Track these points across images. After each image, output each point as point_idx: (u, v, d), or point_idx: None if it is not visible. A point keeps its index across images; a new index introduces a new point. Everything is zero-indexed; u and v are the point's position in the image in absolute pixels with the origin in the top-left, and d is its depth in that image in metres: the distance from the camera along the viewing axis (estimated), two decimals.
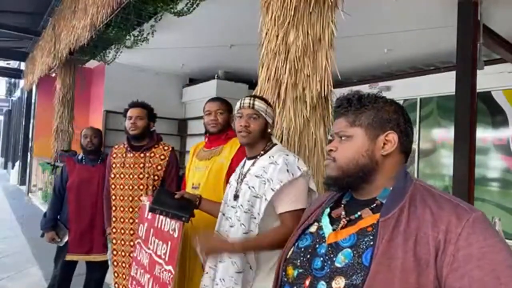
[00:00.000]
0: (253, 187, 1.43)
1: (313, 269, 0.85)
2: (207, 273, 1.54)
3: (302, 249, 0.91)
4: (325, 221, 0.93)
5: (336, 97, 1.00)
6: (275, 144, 1.55)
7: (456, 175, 2.65)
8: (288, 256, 0.94)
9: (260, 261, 1.43)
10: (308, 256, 0.88)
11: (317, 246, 0.89)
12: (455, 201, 0.79)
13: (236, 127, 1.52)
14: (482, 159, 4.76)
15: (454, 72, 2.74)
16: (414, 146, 5.55)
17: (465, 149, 2.59)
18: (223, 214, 1.55)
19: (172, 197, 1.73)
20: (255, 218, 1.42)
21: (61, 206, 2.82)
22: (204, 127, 2.12)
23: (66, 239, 2.77)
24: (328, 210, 0.96)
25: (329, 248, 0.86)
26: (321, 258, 0.85)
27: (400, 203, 0.81)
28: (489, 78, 4.08)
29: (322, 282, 0.82)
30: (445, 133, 5.42)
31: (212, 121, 2.02)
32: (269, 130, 1.55)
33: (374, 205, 0.86)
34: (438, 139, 5.54)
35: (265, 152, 1.51)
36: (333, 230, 0.89)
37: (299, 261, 0.89)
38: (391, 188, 0.86)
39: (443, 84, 4.90)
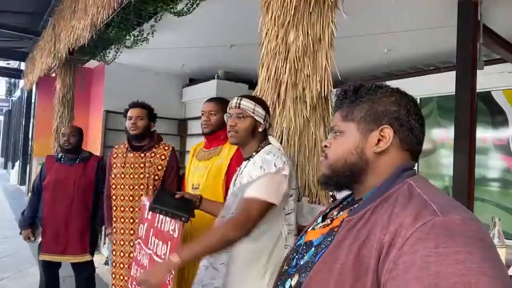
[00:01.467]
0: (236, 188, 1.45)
1: (291, 266, 0.84)
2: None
3: (295, 247, 0.89)
4: (319, 221, 0.90)
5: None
6: (269, 144, 1.54)
7: (456, 175, 2.64)
8: (287, 253, 0.94)
9: (249, 260, 1.39)
10: (294, 254, 0.87)
11: (302, 244, 0.87)
12: (430, 202, 0.66)
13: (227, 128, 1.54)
14: (482, 159, 4.76)
15: (454, 72, 2.74)
16: None
17: (465, 149, 2.59)
18: (223, 217, 1.54)
19: (172, 197, 1.73)
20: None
21: (39, 205, 2.81)
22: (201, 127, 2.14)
23: (40, 238, 2.76)
24: (327, 210, 0.94)
25: (304, 246, 0.84)
26: (297, 256, 0.84)
27: (371, 203, 0.73)
28: (489, 78, 4.08)
29: (289, 279, 0.81)
30: (445, 133, 5.42)
31: (204, 121, 2.04)
32: (259, 130, 1.53)
33: (357, 205, 0.79)
34: (438, 139, 5.53)
35: (257, 152, 1.51)
36: (313, 228, 0.88)
37: (289, 258, 0.89)
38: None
39: (443, 84, 4.89)
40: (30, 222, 2.80)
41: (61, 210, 2.69)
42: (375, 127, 0.80)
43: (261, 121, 1.53)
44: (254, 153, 1.52)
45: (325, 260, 0.72)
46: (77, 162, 2.80)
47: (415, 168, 0.83)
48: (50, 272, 2.80)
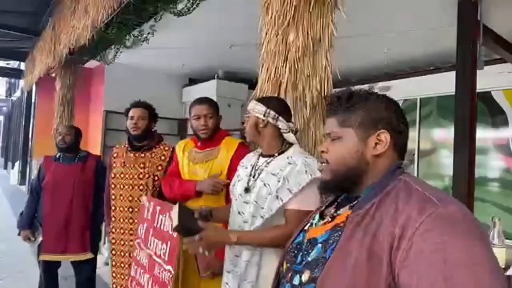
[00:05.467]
0: (268, 184, 1.45)
1: (295, 264, 0.87)
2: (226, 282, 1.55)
3: (294, 245, 0.93)
4: (316, 218, 0.94)
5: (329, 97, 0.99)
6: (292, 145, 1.57)
7: (456, 175, 2.64)
8: (285, 252, 0.96)
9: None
10: (296, 251, 0.90)
11: (304, 242, 0.90)
12: (429, 195, 0.73)
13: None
14: (482, 159, 4.76)
15: (454, 72, 2.74)
16: (414, 146, 5.54)
17: (465, 149, 2.59)
18: (236, 209, 1.56)
19: (192, 215, 1.66)
20: (262, 215, 1.44)
21: (37, 205, 2.80)
22: (193, 131, 2.08)
23: (41, 238, 2.75)
24: (322, 208, 0.97)
25: (308, 244, 0.87)
26: (301, 254, 0.87)
27: (372, 200, 0.79)
28: (489, 78, 4.08)
29: (297, 275, 0.84)
30: (445, 133, 5.41)
31: (202, 126, 2.00)
32: (261, 126, 1.56)
33: (356, 201, 0.84)
34: (438, 139, 5.53)
35: (282, 152, 1.54)
36: (314, 225, 0.91)
37: (289, 256, 0.92)
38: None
39: (443, 84, 4.89)
40: (29, 222, 2.80)
41: (61, 209, 2.68)
42: (373, 131, 0.86)
43: (261, 116, 1.56)
44: (278, 152, 1.54)
45: (338, 255, 0.75)
46: (75, 161, 2.79)
47: (403, 166, 0.90)
48: (50, 272, 2.80)
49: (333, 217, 0.87)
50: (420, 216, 0.69)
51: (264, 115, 1.56)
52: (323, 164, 0.92)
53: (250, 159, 1.67)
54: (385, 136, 0.85)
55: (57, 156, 2.86)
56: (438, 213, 0.68)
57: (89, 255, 2.77)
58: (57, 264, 2.81)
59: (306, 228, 0.95)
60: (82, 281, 2.84)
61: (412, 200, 0.73)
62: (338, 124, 0.89)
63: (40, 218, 2.76)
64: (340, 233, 0.79)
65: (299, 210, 1.39)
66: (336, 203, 0.93)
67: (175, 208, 1.43)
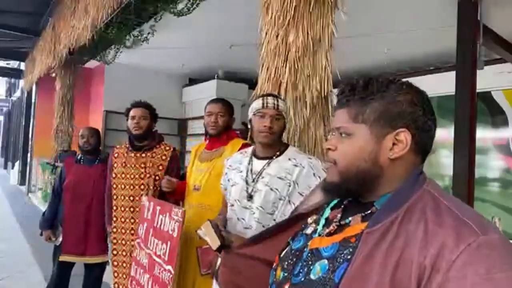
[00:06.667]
0: (276, 189, 1.42)
1: (293, 274, 0.75)
2: None
3: (293, 251, 0.80)
4: (321, 223, 0.80)
5: (336, 94, 0.81)
6: (287, 145, 1.56)
7: (456, 175, 2.64)
8: (281, 256, 0.83)
9: None
10: (295, 259, 0.78)
11: (304, 249, 0.77)
12: (463, 218, 0.61)
13: (257, 126, 1.48)
14: (482, 159, 4.76)
15: (454, 72, 2.74)
16: None
17: (465, 149, 2.59)
18: (234, 216, 1.52)
19: (217, 228, 1.59)
20: (275, 220, 1.42)
21: (59, 206, 2.82)
22: (204, 127, 2.12)
23: (61, 238, 2.77)
24: (328, 211, 0.83)
25: (309, 254, 0.74)
26: (301, 264, 0.75)
27: (393, 214, 0.66)
28: (489, 78, 4.08)
29: None
30: (445, 133, 5.41)
31: (212, 123, 2.02)
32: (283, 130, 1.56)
33: (369, 211, 0.71)
34: (438, 139, 5.52)
35: (281, 153, 1.49)
36: (319, 234, 0.77)
37: (286, 263, 0.79)
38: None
39: (443, 84, 4.89)
40: (51, 223, 2.82)
41: (81, 211, 2.70)
42: (390, 130, 0.71)
43: (287, 122, 1.56)
44: (277, 153, 1.50)
45: (351, 282, 0.63)
46: (96, 163, 2.81)
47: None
48: (64, 270, 2.80)
49: (340, 226, 0.75)
50: (457, 246, 0.57)
51: (286, 116, 1.56)
52: (331, 164, 0.78)
53: (240, 161, 1.59)
54: (405, 136, 0.70)
55: (79, 157, 2.88)
56: (479, 243, 0.56)
57: (106, 258, 2.78)
58: (73, 264, 2.82)
59: (307, 232, 0.82)
60: (90, 282, 2.85)
61: (444, 223, 0.61)
62: (350, 118, 0.74)
63: (61, 219, 2.78)
64: (351, 250, 0.66)
65: None
66: (342, 206, 0.80)
67: (208, 227, 1.30)
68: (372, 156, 0.72)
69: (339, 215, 0.77)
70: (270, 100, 1.48)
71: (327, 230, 0.75)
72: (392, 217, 0.65)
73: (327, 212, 0.83)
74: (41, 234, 2.84)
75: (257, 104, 1.50)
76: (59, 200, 2.81)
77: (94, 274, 2.82)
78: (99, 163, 2.80)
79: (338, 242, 0.70)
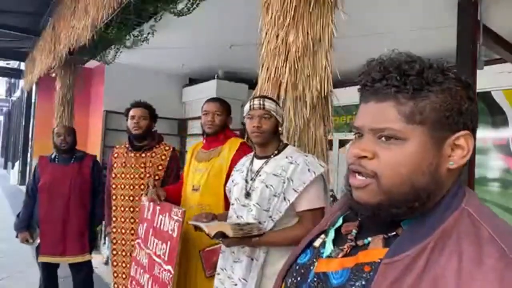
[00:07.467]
0: (271, 186, 1.44)
1: None
2: (218, 274, 1.55)
3: (298, 267, 0.69)
4: (330, 237, 0.67)
5: (367, 64, 0.61)
6: (287, 144, 1.58)
7: None
8: (287, 269, 0.73)
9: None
10: (299, 278, 0.66)
11: (311, 268, 0.66)
12: (510, 253, 0.47)
13: (248, 128, 1.54)
14: (482, 159, 4.76)
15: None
16: None
17: None
18: (234, 214, 1.55)
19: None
20: (271, 216, 1.43)
21: (34, 207, 2.79)
22: (201, 127, 2.13)
23: (39, 240, 2.74)
24: (340, 221, 0.69)
25: (315, 278, 0.62)
26: (304, 285, 0.64)
27: (423, 242, 0.52)
28: (489, 78, 4.08)
29: None
30: None
31: (209, 121, 2.03)
32: (280, 129, 1.57)
33: (393, 233, 0.58)
34: None
35: (279, 152, 1.53)
36: (329, 255, 0.64)
37: (290, 281, 0.68)
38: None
39: None
40: (26, 224, 2.79)
41: (58, 210, 2.66)
42: (450, 133, 0.57)
43: (281, 120, 1.58)
44: (275, 152, 1.53)
45: None
46: (72, 161, 2.77)
47: None
48: (49, 272, 2.79)
49: (355, 247, 0.62)
50: None
51: (281, 119, 1.59)
52: (368, 179, 0.58)
53: (243, 163, 1.65)
54: (466, 140, 0.57)
55: (53, 156, 2.84)
56: None
57: (88, 257, 2.76)
58: (57, 265, 2.80)
59: (315, 244, 0.70)
60: (80, 281, 2.83)
61: (484, 263, 0.47)
62: (402, 117, 0.56)
63: (37, 219, 2.75)
64: (363, 283, 0.54)
65: (310, 209, 1.41)
66: (358, 219, 0.66)
67: (199, 217, 1.46)
68: (432, 168, 0.56)
69: (354, 231, 0.64)
70: (256, 101, 1.54)
71: (340, 254, 0.62)
72: (422, 244, 0.52)
73: (339, 222, 0.69)
74: (17, 236, 2.80)
75: (246, 107, 1.57)
76: (34, 200, 2.77)
77: (82, 273, 2.80)
78: (75, 161, 2.77)
79: (350, 268, 0.58)
